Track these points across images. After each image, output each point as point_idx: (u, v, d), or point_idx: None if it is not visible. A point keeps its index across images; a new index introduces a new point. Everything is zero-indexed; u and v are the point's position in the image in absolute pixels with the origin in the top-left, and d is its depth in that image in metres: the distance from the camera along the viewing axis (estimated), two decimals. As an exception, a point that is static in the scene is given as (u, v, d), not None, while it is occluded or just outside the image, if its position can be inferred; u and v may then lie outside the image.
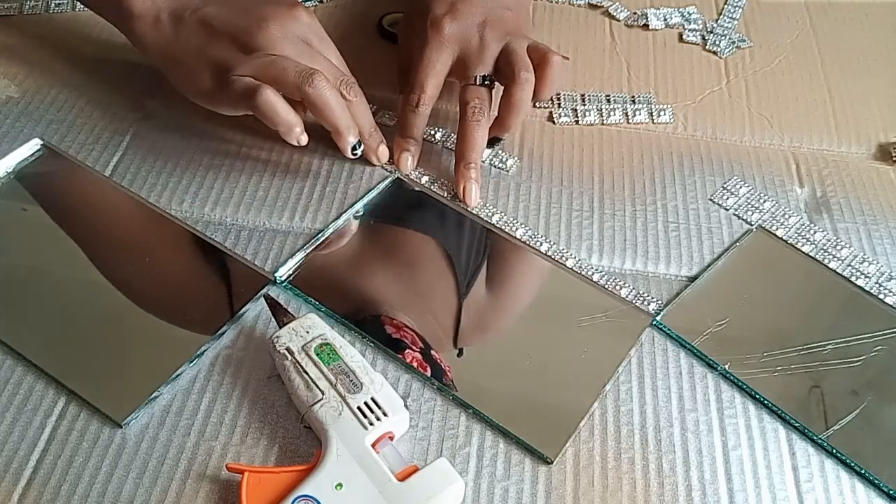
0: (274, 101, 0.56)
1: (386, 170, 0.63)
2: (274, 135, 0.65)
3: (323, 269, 0.57)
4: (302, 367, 0.47)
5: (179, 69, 0.61)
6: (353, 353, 0.48)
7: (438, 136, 0.66)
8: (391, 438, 0.46)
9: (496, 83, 0.63)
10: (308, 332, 0.49)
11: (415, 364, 0.51)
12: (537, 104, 0.69)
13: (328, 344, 0.48)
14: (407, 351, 0.51)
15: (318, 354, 0.48)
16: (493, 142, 0.64)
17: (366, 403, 0.46)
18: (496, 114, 0.63)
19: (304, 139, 0.58)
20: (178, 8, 0.60)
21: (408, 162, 0.62)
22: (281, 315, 0.51)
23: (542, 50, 0.62)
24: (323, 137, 0.65)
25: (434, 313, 0.54)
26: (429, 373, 0.50)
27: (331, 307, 0.54)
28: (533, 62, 0.62)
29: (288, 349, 0.48)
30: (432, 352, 0.52)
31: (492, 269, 0.58)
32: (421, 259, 0.58)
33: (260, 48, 0.57)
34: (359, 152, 0.60)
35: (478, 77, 0.62)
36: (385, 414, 0.46)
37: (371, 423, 0.45)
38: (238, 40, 0.58)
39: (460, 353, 0.53)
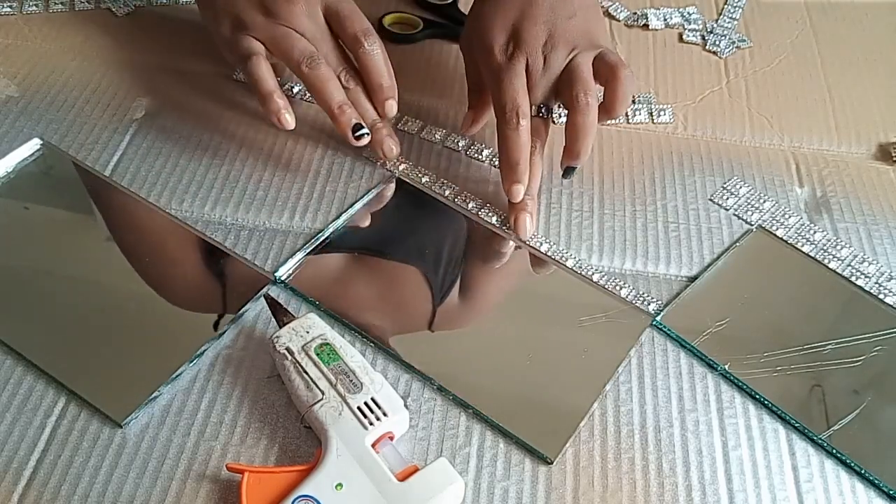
0: (262, 70, 0.58)
1: (387, 170, 0.63)
2: (274, 134, 0.65)
3: (323, 269, 0.57)
4: (302, 367, 0.47)
5: (209, 11, 0.63)
6: (353, 353, 0.48)
7: (438, 136, 0.66)
8: (391, 438, 0.46)
9: (553, 109, 0.61)
10: (308, 332, 0.49)
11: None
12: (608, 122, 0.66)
13: (328, 344, 0.48)
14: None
15: (318, 354, 0.48)
16: (567, 171, 0.60)
17: (366, 403, 0.46)
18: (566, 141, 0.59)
19: (289, 120, 0.58)
20: None
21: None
22: (281, 315, 0.51)
23: (611, 63, 0.58)
24: (323, 137, 0.65)
25: (409, 321, 0.55)
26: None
27: (330, 307, 0.54)
28: (600, 78, 0.58)
29: (288, 349, 0.48)
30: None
31: (470, 263, 0.59)
32: (399, 274, 0.58)
33: (282, 19, 0.59)
34: (365, 140, 0.60)
35: (532, 108, 0.59)
36: (385, 414, 0.46)
37: (371, 423, 0.45)
38: (265, 4, 0.59)
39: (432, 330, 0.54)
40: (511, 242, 0.59)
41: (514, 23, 0.59)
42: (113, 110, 0.66)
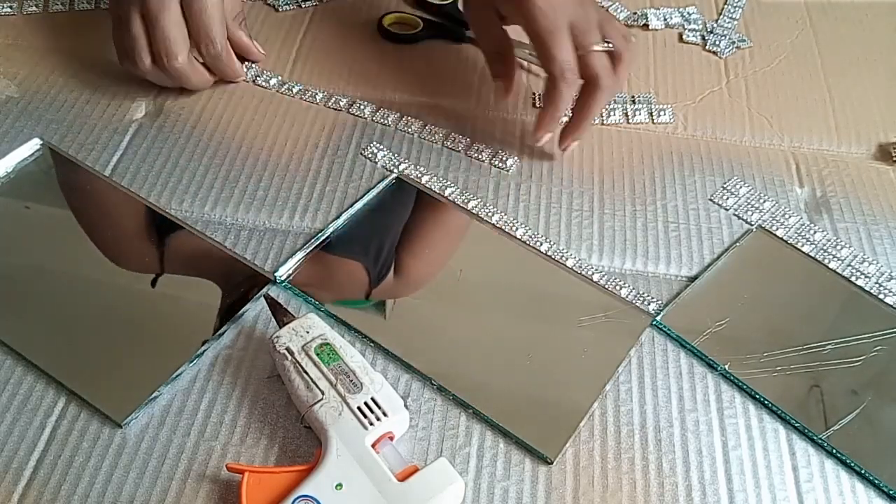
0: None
1: (387, 170, 0.63)
2: (274, 135, 0.65)
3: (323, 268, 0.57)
4: (302, 367, 0.47)
5: None
6: (353, 353, 0.48)
7: (439, 136, 0.66)
8: (391, 438, 0.46)
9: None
10: (308, 332, 0.49)
11: None
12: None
13: (328, 344, 0.48)
14: None
15: (318, 354, 0.48)
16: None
17: (366, 403, 0.46)
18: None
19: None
20: None
21: (547, 140, 0.63)
22: (281, 315, 0.51)
23: (619, 34, 0.61)
24: (323, 137, 0.65)
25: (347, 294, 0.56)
26: None
27: (330, 307, 0.54)
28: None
29: (288, 349, 0.48)
30: None
31: (398, 260, 0.59)
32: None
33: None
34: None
35: (596, 45, 0.59)
36: (385, 414, 0.46)
37: (371, 423, 0.45)
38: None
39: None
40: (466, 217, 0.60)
41: None
42: (113, 110, 0.66)
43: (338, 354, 0.48)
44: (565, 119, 0.64)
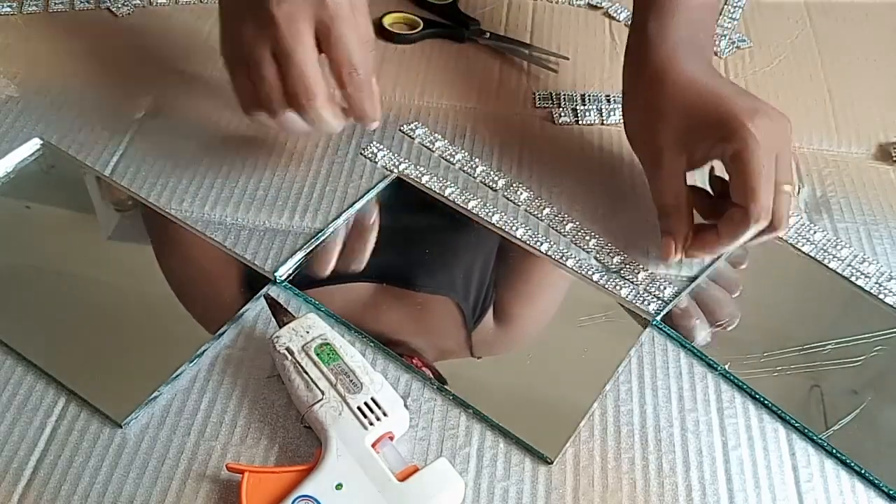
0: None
1: (387, 170, 0.63)
2: (274, 134, 0.65)
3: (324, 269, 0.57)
4: (302, 367, 0.47)
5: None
6: (353, 353, 0.48)
7: (439, 144, 0.66)
8: (391, 438, 0.46)
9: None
10: (308, 332, 0.49)
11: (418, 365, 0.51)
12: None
13: (328, 344, 0.48)
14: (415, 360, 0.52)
15: (318, 354, 0.47)
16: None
17: (366, 403, 0.46)
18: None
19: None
20: None
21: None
22: (281, 315, 0.51)
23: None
24: (323, 137, 0.65)
25: (444, 348, 0.54)
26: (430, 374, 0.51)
27: (330, 307, 0.54)
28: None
29: (288, 349, 0.48)
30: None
31: (507, 285, 0.58)
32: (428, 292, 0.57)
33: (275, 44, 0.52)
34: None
35: (787, 185, 0.53)
36: (385, 414, 0.45)
37: (371, 423, 0.45)
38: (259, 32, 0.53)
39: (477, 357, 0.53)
40: (528, 250, 0.58)
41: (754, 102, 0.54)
42: (113, 110, 0.66)
43: (338, 354, 0.48)
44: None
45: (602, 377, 0.51)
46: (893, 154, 0.67)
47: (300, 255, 0.57)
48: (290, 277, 0.55)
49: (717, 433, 0.50)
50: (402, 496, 0.43)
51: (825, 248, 0.60)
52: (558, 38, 0.76)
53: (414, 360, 0.51)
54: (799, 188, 0.56)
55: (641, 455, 0.48)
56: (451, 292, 0.56)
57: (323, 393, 0.46)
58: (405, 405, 0.47)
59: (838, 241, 0.60)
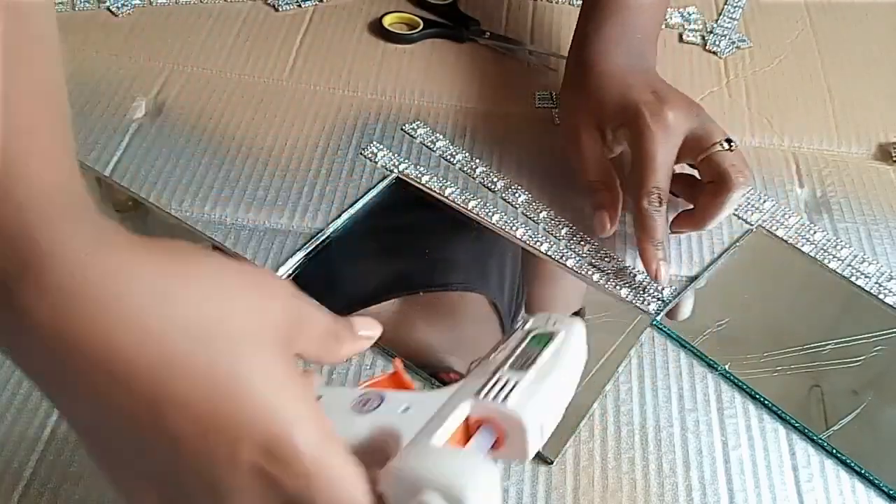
0: None
1: (387, 170, 0.63)
2: (274, 134, 0.65)
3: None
4: (509, 339, 0.38)
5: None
6: (564, 357, 0.37)
7: (440, 144, 0.66)
8: (499, 443, 0.34)
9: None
10: (553, 324, 0.38)
11: None
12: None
13: (549, 337, 0.37)
14: None
15: (532, 337, 0.38)
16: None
17: (507, 381, 0.34)
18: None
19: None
20: None
21: (666, 272, 0.55)
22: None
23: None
24: (323, 137, 0.65)
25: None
26: None
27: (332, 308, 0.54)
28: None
29: (524, 322, 0.39)
30: None
31: (531, 292, 0.57)
32: (461, 304, 0.56)
33: None
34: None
35: (722, 142, 0.55)
36: (505, 401, 0.33)
37: (486, 396, 0.34)
38: None
39: None
40: (539, 256, 0.58)
41: (657, 90, 0.57)
42: (113, 110, 0.66)
43: (545, 344, 0.37)
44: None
45: (602, 377, 0.51)
46: (893, 154, 0.67)
47: (300, 255, 0.57)
48: (291, 277, 0.55)
49: (717, 433, 0.50)
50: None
51: (825, 248, 0.60)
52: (558, 38, 0.76)
53: (451, 376, 0.50)
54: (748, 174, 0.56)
55: (641, 455, 0.48)
56: (484, 289, 0.56)
57: (493, 356, 0.37)
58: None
59: (838, 241, 0.60)
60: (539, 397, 0.34)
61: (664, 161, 0.54)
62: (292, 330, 0.31)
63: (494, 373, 0.35)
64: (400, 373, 0.38)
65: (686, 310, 0.56)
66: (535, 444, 0.34)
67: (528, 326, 0.38)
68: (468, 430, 0.34)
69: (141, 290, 0.28)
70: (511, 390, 0.34)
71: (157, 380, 0.28)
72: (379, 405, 0.35)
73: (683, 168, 0.59)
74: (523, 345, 0.37)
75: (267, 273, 0.34)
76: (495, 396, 0.33)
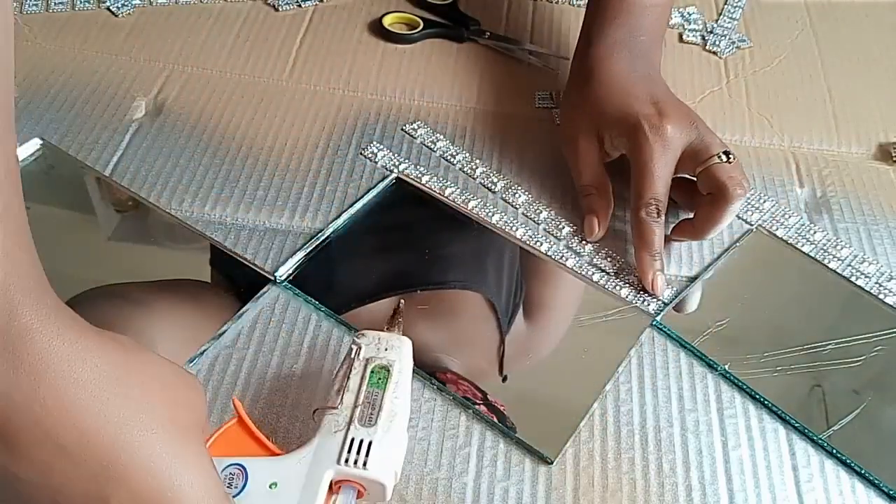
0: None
1: (387, 170, 0.63)
2: (274, 134, 0.65)
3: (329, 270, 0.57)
4: (349, 372, 0.44)
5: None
6: (402, 394, 0.43)
7: (440, 145, 0.66)
8: (360, 495, 0.41)
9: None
10: (385, 350, 0.45)
11: (484, 412, 0.49)
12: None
13: (387, 370, 0.44)
14: (476, 406, 0.50)
15: (372, 372, 0.44)
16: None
17: (361, 441, 0.41)
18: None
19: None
20: None
21: (662, 283, 0.55)
22: (394, 319, 0.48)
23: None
24: (323, 137, 0.65)
25: (478, 355, 0.53)
26: (495, 419, 0.49)
27: (331, 307, 0.54)
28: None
29: (358, 347, 0.45)
30: (489, 397, 0.50)
31: (529, 292, 0.57)
32: (458, 302, 0.56)
33: None
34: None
35: (721, 155, 0.55)
36: (365, 466, 0.41)
37: (347, 462, 0.41)
38: None
39: (504, 380, 0.52)
40: (541, 258, 0.58)
41: (658, 101, 0.57)
42: (113, 110, 0.66)
43: (384, 384, 0.43)
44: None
45: (602, 377, 0.51)
46: (893, 154, 0.67)
47: (300, 255, 0.57)
48: (290, 277, 0.55)
49: (717, 433, 0.50)
50: None
51: (825, 248, 0.60)
52: (558, 38, 0.76)
53: (448, 376, 0.50)
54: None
55: (641, 455, 0.48)
56: (482, 287, 0.56)
57: (340, 405, 0.43)
58: (395, 475, 0.42)
59: (838, 241, 0.60)
60: (391, 451, 0.41)
61: (662, 174, 0.55)
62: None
63: (346, 432, 0.41)
64: (242, 416, 0.43)
65: (693, 303, 0.56)
66: (391, 488, 0.42)
67: (363, 354, 0.44)
68: (332, 489, 0.41)
69: (95, 378, 0.33)
70: (367, 453, 0.41)
71: (110, 458, 0.32)
72: (245, 483, 0.40)
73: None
74: (365, 387, 0.43)
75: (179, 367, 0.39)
76: (355, 462, 0.41)
